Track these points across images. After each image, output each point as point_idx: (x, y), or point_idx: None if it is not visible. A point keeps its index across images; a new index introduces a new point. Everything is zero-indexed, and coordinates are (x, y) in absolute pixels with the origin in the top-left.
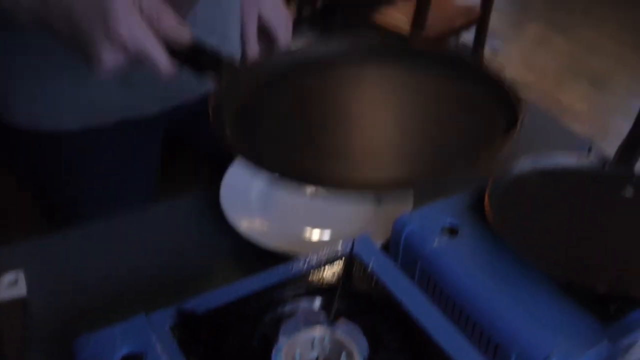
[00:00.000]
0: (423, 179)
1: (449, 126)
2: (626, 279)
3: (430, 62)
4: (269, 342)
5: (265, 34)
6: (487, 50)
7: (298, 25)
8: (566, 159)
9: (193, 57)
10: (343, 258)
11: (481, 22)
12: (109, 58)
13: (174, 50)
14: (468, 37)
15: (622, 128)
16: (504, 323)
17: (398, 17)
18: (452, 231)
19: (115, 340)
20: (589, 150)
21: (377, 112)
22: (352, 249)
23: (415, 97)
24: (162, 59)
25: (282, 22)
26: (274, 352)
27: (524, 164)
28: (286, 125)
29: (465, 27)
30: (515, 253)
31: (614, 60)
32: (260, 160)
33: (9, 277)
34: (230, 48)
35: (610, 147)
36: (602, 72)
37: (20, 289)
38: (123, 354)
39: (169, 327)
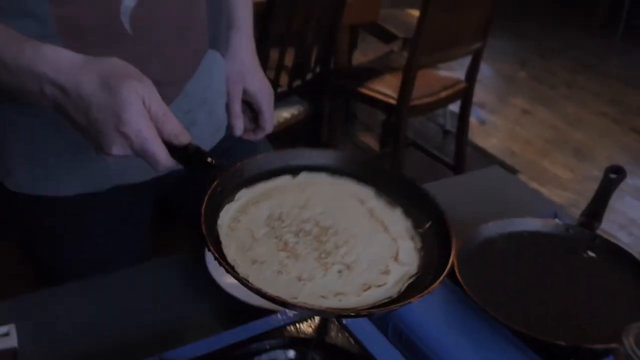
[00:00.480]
0: None
1: None
2: (584, 335)
3: None
4: None
5: (250, 107)
6: (474, 121)
7: (289, 96)
8: (533, 223)
9: (189, 157)
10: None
11: (466, 94)
12: (117, 152)
13: (173, 148)
14: (454, 107)
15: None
16: None
17: (385, 90)
18: None
19: None
20: (555, 215)
21: None
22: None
23: None
24: (162, 157)
25: (265, 97)
26: None
27: (493, 227)
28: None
29: (452, 99)
30: (482, 310)
31: (595, 131)
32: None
33: (1, 329)
34: (218, 120)
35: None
36: (584, 143)
37: (12, 341)
38: None
39: None
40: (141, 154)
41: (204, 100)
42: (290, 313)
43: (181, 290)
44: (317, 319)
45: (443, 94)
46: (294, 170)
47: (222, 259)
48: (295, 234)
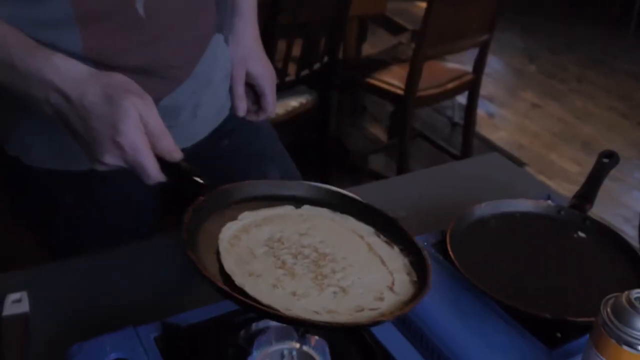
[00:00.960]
0: None
1: None
2: (568, 308)
3: None
4: (243, 354)
5: (253, 90)
6: (482, 114)
7: (296, 85)
8: (525, 204)
9: (179, 173)
10: None
11: (473, 86)
12: (109, 161)
13: (165, 164)
14: (463, 100)
15: (610, 189)
16: (458, 346)
17: (392, 80)
18: None
19: (105, 347)
20: (548, 197)
21: None
22: None
23: None
24: (152, 172)
25: (268, 80)
26: None
27: (486, 208)
28: None
29: (458, 90)
30: (472, 284)
31: (604, 125)
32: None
33: (14, 296)
34: (221, 100)
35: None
36: (593, 137)
37: (24, 307)
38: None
39: (153, 338)
40: (133, 165)
41: (209, 81)
42: None
43: (185, 263)
44: None
45: (450, 86)
46: (288, 200)
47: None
48: (294, 256)
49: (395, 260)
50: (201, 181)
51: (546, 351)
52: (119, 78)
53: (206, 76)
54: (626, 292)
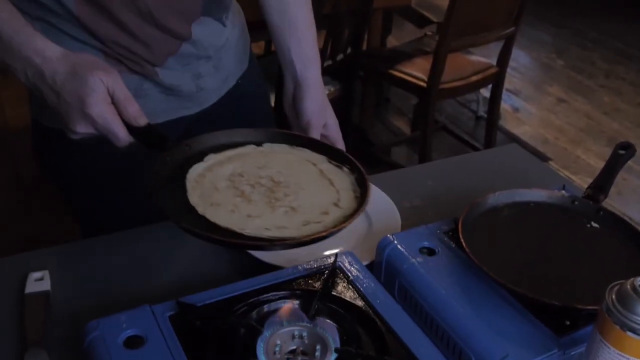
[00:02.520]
0: None
1: None
2: (577, 297)
3: None
4: (254, 334)
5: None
6: (507, 108)
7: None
8: (539, 194)
9: (146, 135)
10: (327, 269)
11: (498, 79)
12: (81, 130)
13: (132, 128)
14: (488, 94)
15: (636, 185)
16: (467, 331)
17: (415, 72)
18: (430, 252)
19: (121, 324)
20: (563, 188)
21: None
22: (335, 261)
23: None
24: (121, 135)
25: (338, 130)
26: (258, 341)
27: (499, 197)
28: None
29: (482, 83)
30: (482, 271)
31: (631, 121)
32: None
33: (36, 274)
34: (224, 72)
35: (625, 204)
36: (619, 133)
37: (45, 285)
38: (127, 336)
39: (168, 316)
40: (103, 132)
41: (207, 51)
42: (300, 267)
43: (202, 246)
44: (325, 273)
45: (474, 78)
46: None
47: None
48: (252, 186)
49: (343, 179)
50: (167, 139)
51: (555, 338)
52: (86, 57)
53: (206, 44)
54: (631, 279)
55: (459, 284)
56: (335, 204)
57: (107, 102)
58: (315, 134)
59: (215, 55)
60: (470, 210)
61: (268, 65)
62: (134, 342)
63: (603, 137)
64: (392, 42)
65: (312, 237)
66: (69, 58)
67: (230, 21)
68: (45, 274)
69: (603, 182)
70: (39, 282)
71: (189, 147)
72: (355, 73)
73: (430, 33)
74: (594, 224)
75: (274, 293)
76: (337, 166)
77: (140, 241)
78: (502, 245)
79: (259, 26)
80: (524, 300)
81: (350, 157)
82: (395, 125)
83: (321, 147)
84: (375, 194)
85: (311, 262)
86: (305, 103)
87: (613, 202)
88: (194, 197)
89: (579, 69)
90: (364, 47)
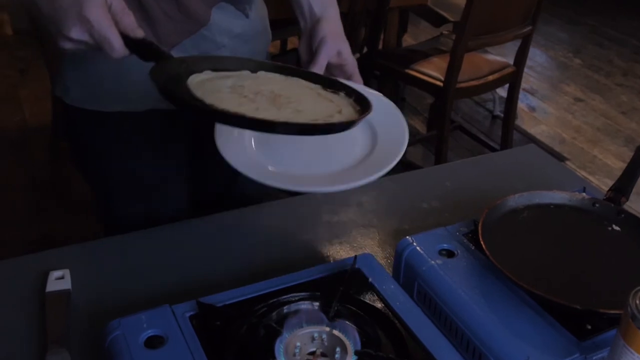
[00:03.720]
0: None
1: None
2: (599, 300)
3: None
4: (274, 335)
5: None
6: (524, 107)
7: None
8: (559, 196)
9: (142, 48)
10: (346, 270)
11: (515, 79)
12: (75, 35)
13: (128, 40)
14: (505, 93)
15: None
16: (487, 334)
17: (431, 72)
18: (449, 254)
19: (142, 324)
20: (583, 190)
21: None
22: (354, 263)
23: None
24: (117, 44)
25: (355, 64)
26: (277, 343)
27: (520, 198)
28: None
29: (499, 83)
30: (502, 273)
31: None
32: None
33: (56, 273)
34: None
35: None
36: (637, 132)
37: (66, 284)
38: (148, 336)
39: (189, 317)
40: (99, 40)
41: (223, 45)
42: (320, 268)
43: (221, 245)
44: (345, 275)
45: (490, 78)
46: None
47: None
48: (254, 94)
49: (341, 100)
50: (164, 53)
51: (575, 342)
52: None
53: (219, 39)
54: None
55: (478, 286)
56: (339, 112)
57: (106, 8)
58: (321, 56)
59: (230, 44)
60: (490, 212)
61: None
62: (154, 342)
63: (620, 136)
64: (408, 40)
65: (338, 123)
66: None
67: (253, 13)
68: (66, 272)
69: (624, 184)
70: (59, 280)
71: (185, 64)
72: (371, 72)
73: (446, 32)
74: (615, 227)
75: (294, 294)
76: (333, 92)
77: (161, 240)
78: (522, 248)
79: (275, 25)
80: (545, 303)
81: (347, 83)
82: (411, 125)
83: (317, 77)
84: (379, 102)
85: (331, 263)
86: (318, 31)
87: (634, 205)
88: (198, 93)
89: (596, 68)
90: (380, 46)
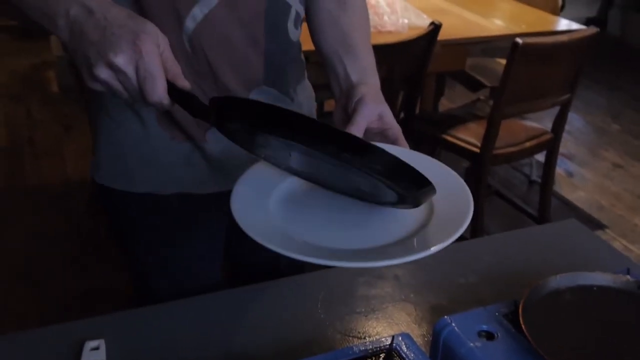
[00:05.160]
0: None
1: None
2: None
3: None
4: None
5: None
6: (561, 173)
7: None
8: (603, 278)
9: (186, 100)
10: (382, 352)
11: (552, 146)
12: (119, 62)
13: (173, 89)
14: (541, 157)
15: None
16: None
17: (468, 138)
18: (489, 336)
19: None
20: (627, 271)
21: None
22: (391, 343)
23: None
24: (160, 84)
25: (399, 129)
26: None
27: (561, 280)
28: None
29: (537, 149)
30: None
31: None
32: None
33: (92, 343)
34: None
35: None
36: None
37: (101, 355)
38: None
39: None
40: (143, 75)
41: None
42: (355, 349)
43: (256, 321)
44: (381, 356)
45: (528, 144)
46: None
47: None
48: None
49: None
50: (209, 111)
51: None
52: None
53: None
54: None
55: None
56: None
57: (158, 48)
58: (360, 119)
59: None
60: (531, 293)
61: None
62: None
63: None
64: (444, 103)
65: None
66: (124, 6)
67: (299, 96)
68: (101, 343)
69: None
70: (94, 351)
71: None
72: (409, 137)
73: (483, 97)
74: None
75: None
76: None
77: (196, 311)
78: (565, 332)
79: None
80: None
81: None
82: None
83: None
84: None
85: (367, 343)
86: (355, 93)
87: None
88: None
89: (636, 134)
90: (417, 110)
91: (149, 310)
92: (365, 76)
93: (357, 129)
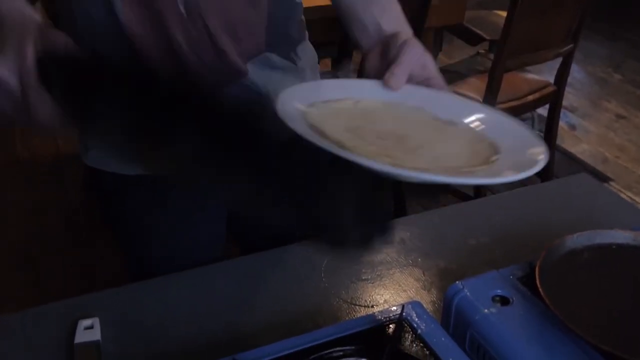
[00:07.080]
0: None
1: None
2: None
3: None
4: None
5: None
6: (564, 126)
7: None
8: (622, 236)
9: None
10: (393, 320)
11: (555, 98)
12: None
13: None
14: (543, 111)
15: None
16: None
17: (469, 93)
18: (504, 300)
19: None
20: None
21: None
22: (401, 313)
23: None
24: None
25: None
26: None
27: (578, 239)
28: None
29: (539, 103)
30: (563, 323)
31: None
32: None
33: (85, 322)
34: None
35: None
36: None
37: (95, 334)
38: None
39: None
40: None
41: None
42: (364, 320)
43: (257, 292)
44: (391, 327)
45: (530, 98)
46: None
47: None
48: (376, 137)
49: (463, 133)
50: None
51: None
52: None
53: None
54: None
55: (537, 337)
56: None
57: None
58: (407, 59)
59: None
60: (547, 254)
61: None
62: None
63: None
64: (442, 59)
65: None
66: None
67: (300, 59)
68: (95, 321)
69: None
70: (88, 330)
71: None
72: None
73: (483, 51)
74: None
75: (337, 349)
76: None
77: (192, 284)
78: (584, 295)
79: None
80: (612, 358)
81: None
82: None
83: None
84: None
85: (376, 313)
86: (397, 39)
87: None
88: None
89: (638, 83)
90: None
91: (144, 285)
92: (401, 25)
93: (402, 70)
